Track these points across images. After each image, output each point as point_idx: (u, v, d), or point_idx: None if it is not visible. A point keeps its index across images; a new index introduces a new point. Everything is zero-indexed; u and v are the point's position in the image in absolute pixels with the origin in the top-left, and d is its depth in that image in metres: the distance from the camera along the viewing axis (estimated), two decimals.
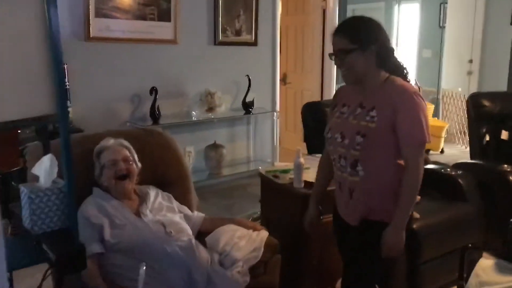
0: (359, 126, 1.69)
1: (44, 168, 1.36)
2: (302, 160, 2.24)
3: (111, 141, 1.99)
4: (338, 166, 1.77)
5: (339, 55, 1.69)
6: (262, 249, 1.99)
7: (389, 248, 1.70)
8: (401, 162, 1.69)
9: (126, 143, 2.02)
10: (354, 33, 1.67)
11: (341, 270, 1.99)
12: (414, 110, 1.62)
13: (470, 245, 2.54)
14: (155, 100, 3.85)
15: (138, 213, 1.93)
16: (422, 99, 1.67)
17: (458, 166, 3.24)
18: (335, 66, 1.77)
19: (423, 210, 2.61)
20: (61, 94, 1.27)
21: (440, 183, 2.94)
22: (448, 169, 3.02)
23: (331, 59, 1.73)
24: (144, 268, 1.49)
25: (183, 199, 2.21)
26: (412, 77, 7.32)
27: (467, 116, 3.69)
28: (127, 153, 1.98)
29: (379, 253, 1.72)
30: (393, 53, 1.74)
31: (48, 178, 1.36)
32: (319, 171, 1.99)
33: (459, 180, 2.86)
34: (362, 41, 1.65)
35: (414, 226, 2.48)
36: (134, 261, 1.77)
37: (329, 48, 5.55)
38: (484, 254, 2.37)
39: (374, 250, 1.72)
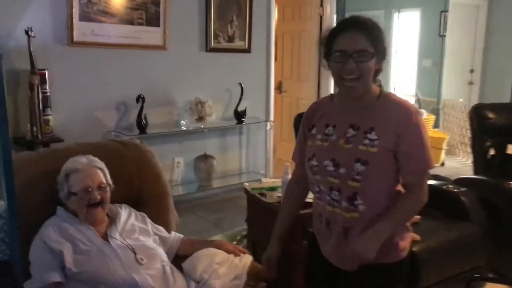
0: (357, 151, 1.45)
1: None
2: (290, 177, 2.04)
3: (82, 161, 1.76)
4: (327, 199, 1.52)
5: (356, 57, 1.42)
6: (245, 276, 1.78)
7: (357, 252, 1.42)
8: (399, 188, 1.49)
9: (99, 163, 1.80)
10: (377, 36, 1.42)
11: None
12: (420, 134, 1.43)
13: (474, 269, 2.36)
14: (141, 108, 3.67)
15: (105, 237, 1.73)
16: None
17: (460, 181, 3.04)
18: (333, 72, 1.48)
19: (423, 231, 2.40)
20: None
21: (441, 201, 2.74)
22: (450, 186, 2.82)
23: (335, 60, 1.43)
24: None
25: (160, 218, 2.01)
26: (412, 87, 7.15)
27: (470, 128, 3.51)
28: (101, 177, 1.76)
29: None
30: None
31: None
32: (285, 205, 1.77)
33: (462, 197, 2.66)
34: (380, 48, 1.43)
35: (414, 248, 2.28)
36: None
37: None
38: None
39: None
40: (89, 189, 1.70)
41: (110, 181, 1.81)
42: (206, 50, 4.14)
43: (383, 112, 1.46)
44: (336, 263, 1.56)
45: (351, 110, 1.51)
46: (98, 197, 1.72)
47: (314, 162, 1.53)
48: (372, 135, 1.44)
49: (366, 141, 1.44)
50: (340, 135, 1.50)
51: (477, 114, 3.44)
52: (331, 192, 1.50)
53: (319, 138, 1.55)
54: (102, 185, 1.74)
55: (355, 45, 1.41)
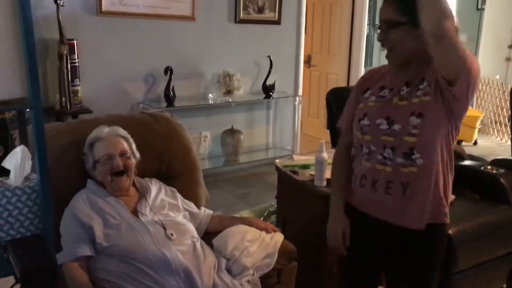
0: (411, 105, 1.40)
1: (15, 162, 1.14)
2: (325, 155, 1.97)
3: (105, 130, 1.74)
4: (379, 158, 1.46)
5: (384, 28, 1.39)
6: (276, 255, 1.74)
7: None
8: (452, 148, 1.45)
9: (122, 132, 1.77)
10: (412, 4, 1.30)
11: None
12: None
13: None
14: (169, 80, 3.62)
15: (135, 212, 1.70)
16: None
17: (497, 162, 2.91)
18: (367, 47, 1.50)
19: (458, 213, 2.32)
20: (32, 74, 1.03)
21: (478, 182, 2.63)
22: (488, 167, 2.70)
23: (376, 32, 1.42)
24: None
25: (190, 193, 1.98)
26: None
27: (510, 106, 3.33)
28: (125, 145, 1.74)
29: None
30: None
31: (18, 174, 1.13)
32: (340, 175, 1.63)
33: (501, 179, 2.54)
34: (416, 13, 1.31)
35: (450, 231, 2.20)
36: (128, 267, 1.55)
37: (358, 29, 5.21)
38: None
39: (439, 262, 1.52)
40: (112, 156, 1.68)
41: (136, 152, 1.79)
42: (235, 22, 4.04)
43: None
44: (397, 222, 1.48)
45: (404, 73, 1.46)
46: (121, 164, 1.69)
47: (365, 122, 1.49)
48: (424, 85, 1.40)
49: (419, 93, 1.40)
50: (395, 93, 1.46)
51: None
52: (384, 150, 1.45)
53: (373, 100, 1.51)
54: (125, 153, 1.72)
55: (383, 15, 1.40)
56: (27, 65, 1.01)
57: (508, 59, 6.72)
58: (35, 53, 1.01)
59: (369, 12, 5.29)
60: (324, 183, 1.99)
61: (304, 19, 4.51)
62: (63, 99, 3.24)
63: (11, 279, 1.09)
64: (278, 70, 4.24)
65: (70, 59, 3.24)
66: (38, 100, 1.03)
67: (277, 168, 2.25)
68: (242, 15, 4.05)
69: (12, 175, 1.13)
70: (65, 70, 3.21)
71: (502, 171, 2.61)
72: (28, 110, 1.07)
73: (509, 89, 5.60)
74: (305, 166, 2.16)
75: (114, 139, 1.73)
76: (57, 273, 1.05)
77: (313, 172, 2.06)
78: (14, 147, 1.66)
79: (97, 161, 1.69)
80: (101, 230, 1.59)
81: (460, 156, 3.03)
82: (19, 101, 1.05)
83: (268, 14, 4.23)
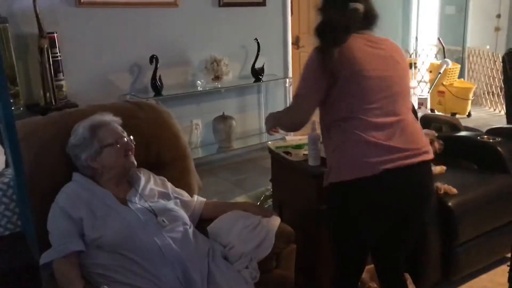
0: None
1: None
2: (319, 132, 1.90)
3: (107, 117, 1.70)
4: None
5: None
6: (274, 239, 1.68)
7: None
8: None
9: (119, 120, 1.74)
10: None
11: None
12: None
13: None
14: (156, 69, 3.54)
15: (124, 201, 1.64)
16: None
17: (493, 131, 2.87)
18: None
19: (458, 184, 2.28)
20: None
21: (475, 153, 2.60)
22: (485, 136, 2.65)
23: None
24: None
25: (182, 182, 1.92)
26: (435, 35, 6.83)
27: (503, 75, 3.29)
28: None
29: None
30: None
31: None
32: None
33: (498, 148, 2.50)
34: None
35: (449, 203, 2.16)
36: (120, 259, 1.49)
37: None
38: None
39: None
40: (122, 137, 1.67)
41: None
42: (219, 5, 3.93)
43: None
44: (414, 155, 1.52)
45: None
46: (130, 142, 1.68)
47: None
48: None
49: None
50: None
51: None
52: None
53: None
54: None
55: None
56: None
57: (497, 29, 6.67)
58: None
59: None
60: (319, 162, 1.92)
61: (289, 0, 4.41)
62: (48, 94, 3.15)
63: None
64: (266, 53, 4.15)
65: (51, 53, 3.14)
66: (3, 90, 0.96)
67: (270, 150, 2.19)
68: None
69: None
70: (47, 65, 3.11)
71: (499, 139, 2.57)
72: None
73: (500, 59, 5.56)
74: (298, 146, 2.10)
75: (116, 124, 1.70)
76: (39, 272, 0.98)
77: (306, 152, 2.00)
78: None
79: (109, 144, 1.63)
80: (90, 222, 1.53)
81: (456, 127, 2.99)
82: None
83: None
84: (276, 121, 1.71)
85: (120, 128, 1.70)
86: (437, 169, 2.32)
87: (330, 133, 1.56)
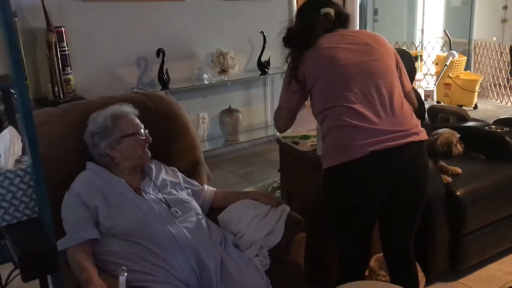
0: None
1: (4, 145, 1.08)
2: None
3: (127, 108, 1.72)
4: None
5: None
6: (283, 227, 1.70)
7: None
8: None
9: (136, 112, 1.76)
10: None
11: (375, 245, 1.75)
12: None
13: None
14: (162, 63, 3.55)
15: (139, 191, 1.66)
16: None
17: (501, 122, 2.86)
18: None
19: (465, 174, 2.29)
20: (13, 52, 0.97)
21: (483, 143, 2.60)
22: (493, 126, 2.65)
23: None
24: (126, 275, 1.23)
25: (192, 172, 1.94)
26: (440, 27, 6.80)
27: (511, 66, 3.26)
28: None
29: None
30: None
31: (9, 157, 1.08)
32: None
33: (506, 137, 2.50)
34: None
35: (458, 193, 2.17)
36: (134, 247, 1.51)
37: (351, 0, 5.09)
38: None
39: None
40: (141, 129, 1.69)
41: None
42: None
43: None
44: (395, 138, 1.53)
45: None
46: (149, 135, 1.71)
47: None
48: None
49: None
50: None
51: None
52: None
53: None
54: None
55: None
56: (6, 40, 0.96)
57: (504, 21, 6.64)
58: (13, 25, 0.95)
59: None
60: None
61: None
62: (56, 88, 3.18)
63: (10, 266, 1.06)
64: (272, 46, 4.13)
65: (59, 47, 3.16)
66: (21, 76, 0.97)
67: (278, 141, 2.20)
68: None
69: (1, 158, 1.08)
70: (55, 59, 3.13)
71: (507, 129, 2.57)
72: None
73: (507, 50, 5.53)
74: (306, 137, 2.11)
75: (134, 115, 1.73)
76: (57, 256, 1.00)
77: (314, 142, 2.01)
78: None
79: (131, 134, 1.66)
80: (105, 210, 1.55)
81: (463, 118, 2.98)
82: (1, 79, 0.99)
83: None
84: (274, 121, 1.87)
85: (138, 120, 1.71)
86: (452, 168, 2.30)
87: (320, 122, 1.65)
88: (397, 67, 1.67)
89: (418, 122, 1.62)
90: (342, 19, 1.70)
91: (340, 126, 1.54)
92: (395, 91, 1.59)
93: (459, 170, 2.27)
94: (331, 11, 1.67)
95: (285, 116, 1.74)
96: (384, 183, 1.56)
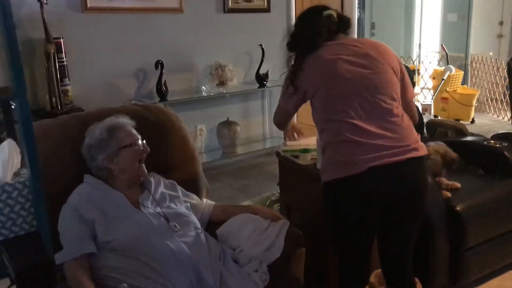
0: None
1: (3, 157, 1.07)
2: None
3: (123, 119, 1.71)
4: None
5: None
6: (283, 242, 1.68)
7: None
8: None
9: (133, 123, 1.75)
10: None
11: (374, 261, 1.73)
12: None
13: None
14: (161, 75, 3.55)
15: (137, 204, 1.64)
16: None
17: (499, 137, 2.87)
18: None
19: (465, 189, 2.28)
20: (14, 62, 0.96)
21: (482, 157, 2.59)
22: (491, 141, 2.65)
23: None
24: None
25: (190, 184, 1.92)
26: (437, 42, 6.85)
27: (509, 80, 3.29)
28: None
29: None
30: None
31: (7, 170, 1.06)
32: None
33: (505, 152, 2.50)
34: None
35: (458, 208, 2.15)
36: (132, 262, 1.49)
37: (348, 12, 5.12)
38: None
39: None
40: (138, 141, 1.67)
41: None
42: (224, 11, 3.96)
43: None
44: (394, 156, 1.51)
45: None
46: (146, 149, 1.68)
47: None
48: None
49: None
50: None
51: None
52: None
53: None
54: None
55: None
56: (8, 51, 0.94)
57: (499, 36, 6.69)
58: (15, 35, 0.94)
59: None
60: None
61: (294, 6, 4.44)
62: (53, 99, 3.16)
63: (6, 281, 1.03)
64: (270, 59, 4.16)
65: (58, 58, 3.15)
66: (22, 88, 0.96)
67: (278, 154, 2.19)
68: (231, 4, 3.97)
69: (0, 171, 1.06)
70: (53, 70, 3.12)
71: (506, 144, 2.57)
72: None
73: (504, 65, 5.57)
74: (306, 150, 2.10)
75: (131, 126, 1.71)
76: (55, 272, 0.98)
77: (314, 156, 2.00)
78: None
79: (128, 145, 1.64)
80: (102, 224, 1.52)
81: (462, 132, 2.99)
82: (2, 91, 0.98)
83: (257, 2, 4.15)
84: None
85: (135, 131, 1.70)
86: (451, 183, 2.29)
87: (320, 136, 1.64)
88: (401, 75, 1.66)
89: (418, 137, 1.61)
90: (344, 21, 1.70)
91: (340, 141, 1.53)
92: (396, 106, 1.59)
93: (458, 185, 2.27)
94: (334, 12, 1.68)
95: (281, 116, 1.84)
96: (383, 199, 1.55)
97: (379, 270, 1.87)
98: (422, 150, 1.59)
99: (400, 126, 1.56)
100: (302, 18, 1.75)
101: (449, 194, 2.19)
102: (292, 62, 1.68)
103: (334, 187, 1.55)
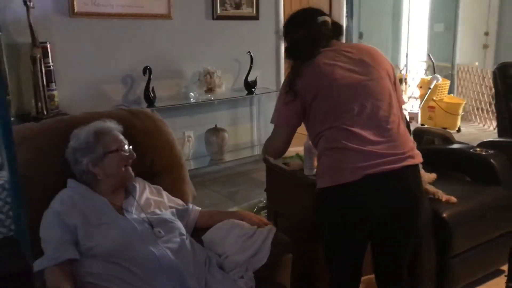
0: None
1: None
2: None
3: (110, 124, 1.68)
4: None
5: None
6: (269, 248, 1.66)
7: None
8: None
9: (120, 128, 1.73)
10: None
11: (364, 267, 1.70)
12: None
13: (508, 233, 2.24)
14: (149, 81, 3.52)
15: (121, 210, 1.61)
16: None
17: (485, 145, 2.90)
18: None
19: (451, 196, 2.28)
20: None
21: (468, 165, 2.61)
22: (478, 149, 2.67)
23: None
24: None
25: (176, 190, 1.90)
26: (424, 51, 6.92)
27: (495, 89, 3.33)
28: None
29: None
30: None
31: None
32: None
33: (491, 160, 2.51)
34: None
35: (444, 215, 2.16)
36: (115, 268, 1.46)
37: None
38: None
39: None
40: (125, 146, 1.65)
41: None
42: (213, 18, 3.96)
43: None
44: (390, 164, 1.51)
45: None
46: (133, 153, 1.66)
47: None
48: None
49: None
50: None
51: (502, 74, 3.26)
52: None
53: None
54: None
55: None
56: None
57: (485, 46, 6.78)
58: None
59: (346, 3, 5.27)
60: (314, 172, 1.92)
61: (282, 14, 4.45)
62: (39, 104, 3.11)
63: None
64: (259, 66, 4.17)
65: (44, 63, 3.12)
66: (1, 88, 0.94)
67: (265, 160, 2.18)
68: (219, 11, 3.97)
69: None
70: (39, 74, 3.08)
71: (492, 152, 2.59)
72: None
73: (489, 75, 5.64)
74: (293, 157, 2.09)
75: (118, 131, 1.68)
76: (33, 278, 0.95)
77: (301, 162, 1.99)
78: None
79: (114, 150, 1.61)
80: (85, 230, 1.49)
81: (449, 140, 3.00)
82: None
83: (245, 10, 4.16)
84: (264, 150, 1.81)
85: (121, 136, 1.67)
86: (429, 176, 2.31)
87: (315, 142, 1.62)
88: (394, 79, 1.66)
89: (414, 144, 1.61)
90: (337, 28, 1.69)
91: (337, 148, 1.52)
92: (393, 112, 1.58)
93: (454, 199, 2.22)
94: (328, 19, 1.66)
95: (283, 136, 1.68)
96: (378, 207, 1.53)
97: (367, 277, 1.86)
98: (418, 157, 1.58)
99: (397, 133, 1.56)
100: (297, 22, 1.69)
101: (454, 199, 2.19)
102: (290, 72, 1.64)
103: (328, 194, 1.54)
